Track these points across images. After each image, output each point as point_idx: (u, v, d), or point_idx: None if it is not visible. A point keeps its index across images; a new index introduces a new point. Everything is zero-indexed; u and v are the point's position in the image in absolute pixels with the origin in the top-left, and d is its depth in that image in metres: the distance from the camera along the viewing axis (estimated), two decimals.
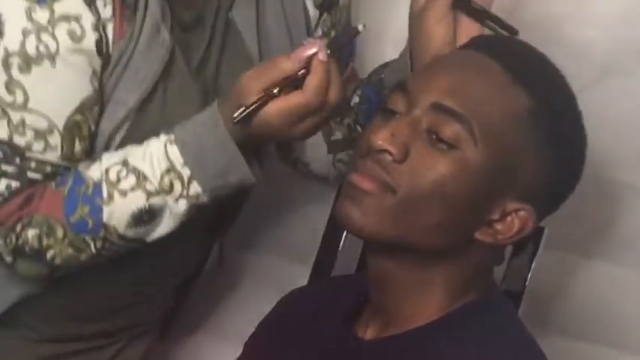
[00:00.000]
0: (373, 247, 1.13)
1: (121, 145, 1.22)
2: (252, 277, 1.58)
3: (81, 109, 1.17)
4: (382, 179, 1.07)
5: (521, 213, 1.09)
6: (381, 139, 1.07)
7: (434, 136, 1.07)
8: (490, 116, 1.06)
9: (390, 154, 1.07)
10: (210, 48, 1.29)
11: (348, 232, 1.45)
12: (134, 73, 1.19)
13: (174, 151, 1.17)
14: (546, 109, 1.08)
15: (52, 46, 1.14)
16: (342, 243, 1.49)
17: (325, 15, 1.39)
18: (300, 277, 1.51)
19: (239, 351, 1.28)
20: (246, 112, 1.16)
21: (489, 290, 1.14)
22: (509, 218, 1.09)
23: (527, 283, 1.37)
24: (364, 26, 1.17)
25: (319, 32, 1.40)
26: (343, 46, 1.20)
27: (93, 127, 1.20)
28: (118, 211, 1.17)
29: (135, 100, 1.20)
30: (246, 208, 1.47)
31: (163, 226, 1.20)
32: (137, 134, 1.22)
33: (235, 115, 1.17)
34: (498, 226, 1.09)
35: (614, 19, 1.50)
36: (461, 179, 1.06)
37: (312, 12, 1.38)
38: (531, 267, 1.37)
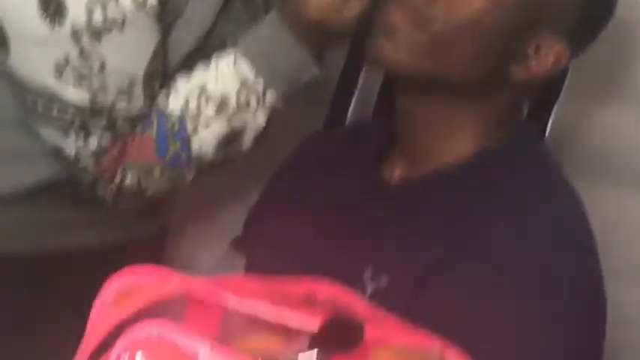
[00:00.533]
0: (404, 84, 1.12)
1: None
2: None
3: (154, 58, 1.17)
4: (417, 14, 1.06)
5: (556, 47, 1.09)
6: None
7: None
8: None
9: None
10: None
11: (369, 71, 1.44)
12: (189, 18, 1.19)
13: (245, 65, 1.16)
14: None
15: (119, 15, 1.12)
16: (359, 83, 1.47)
17: None
18: (315, 117, 1.50)
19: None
20: None
21: (521, 129, 1.14)
22: (543, 52, 1.08)
23: (549, 126, 1.36)
24: None
25: None
26: None
27: (165, 66, 1.20)
28: (205, 140, 1.18)
29: (190, 44, 1.19)
30: None
31: (247, 141, 1.20)
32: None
33: None
34: (533, 61, 1.08)
35: None
36: (495, 12, 1.05)
37: None
38: (552, 111, 1.36)
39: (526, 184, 1.09)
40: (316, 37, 1.15)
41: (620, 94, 1.51)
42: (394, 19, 1.07)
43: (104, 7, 1.12)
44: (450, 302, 1.01)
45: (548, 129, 1.38)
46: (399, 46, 1.07)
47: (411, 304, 1.01)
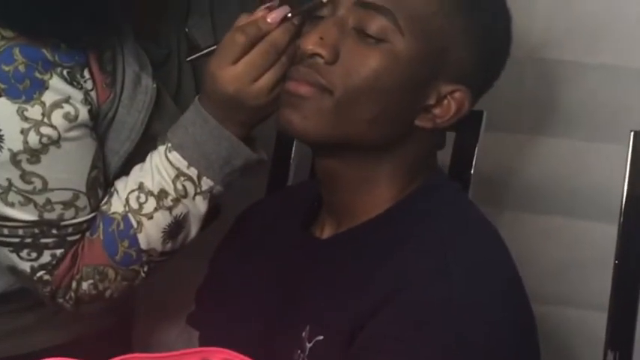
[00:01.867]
0: (319, 149, 1.17)
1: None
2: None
3: (94, 164, 1.22)
4: (317, 82, 1.11)
5: (457, 94, 1.12)
6: (310, 43, 1.11)
7: (361, 33, 1.10)
8: (412, 4, 1.10)
9: (321, 56, 1.10)
10: (181, 75, 1.32)
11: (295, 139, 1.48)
12: (121, 126, 1.23)
13: (177, 157, 1.21)
14: None
15: (53, 134, 1.17)
16: (293, 152, 1.53)
17: None
18: (258, 190, 1.56)
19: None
20: (200, 53, 1.20)
21: (435, 175, 1.19)
22: (445, 101, 1.12)
23: (473, 167, 1.42)
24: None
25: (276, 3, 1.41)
26: (307, 14, 1.21)
27: (105, 173, 1.25)
28: (151, 234, 1.22)
29: (124, 151, 1.24)
30: None
31: (193, 228, 1.25)
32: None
33: (188, 58, 1.21)
34: (436, 111, 1.13)
35: None
36: (393, 70, 1.09)
37: None
38: (475, 151, 1.42)
39: (444, 225, 1.13)
40: (238, 114, 1.19)
41: (546, 126, 1.58)
42: (299, 89, 1.12)
43: (37, 130, 1.17)
44: (374, 350, 1.05)
45: (473, 164, 1.43)
46: (305, 115, 1.11)
47: (344, 357, 1.06)
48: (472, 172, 1.42)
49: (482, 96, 1.18)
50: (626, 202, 1.39)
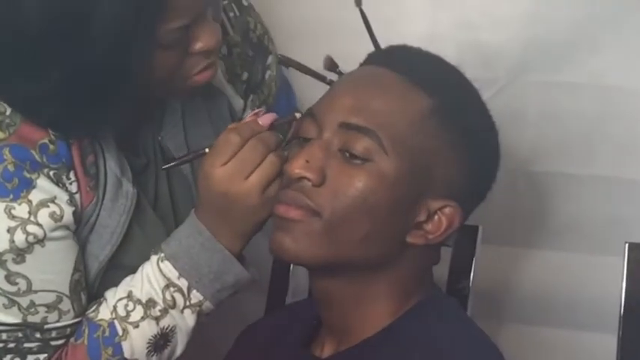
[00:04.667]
0: (313, 270, 1.17)
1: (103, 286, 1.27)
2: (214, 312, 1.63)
3: (76, 267, 1.24)
4: (306, 205, 1.12)
5: (447, 210, 1.13)
6: (297, 167, 1.12)
7: (347, 154, 1.12)
8: (396, 124, 1.11)
9: (308, 179, 1.12)
10: (158, 184, 1.34)
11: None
12: (102, 230, 1.25)
13: (168, 267, 1.23)
14: (448, 106, 1.13)
15: (39, 233, 1.20)
16: (291, 270, 1.54)
17: (252, 96, 1.44)
18: (258, 307, 1.56)
19: None
20: (176, 162, 1.23)
21: (431, 291, 1.19)
22: (435, 217, 1.13)
23: (470, 281, 1.43)
24: (301, 114, 1.20)
25: (249, 112, 1.42)
26: (281, 127, 1.25)
27: (88, 277, 1.26)
28: (136, 343, 1.23)
29: (105, 255, 1.26)
30: None
31: (180, 345, 1.26)
32: (117, 277, 1.27)
33: (164, 167, 1.23)
34: (427, 227, 1.13)
35: (517, 21, 1.57)
36: (380, 189, 1.11)
37: (239, 105, 1.42)
38: (472, 265, 1.43)
39: (443, 344, 1.12)
40: (232, 221, 1.20)
41: (541, 239, 1.60)
42: (288, 213, 1.13)
43: (24, 228, 1.18)
44: None
45: (471, 279, 1.44)
46: (295, 238, 1.12)
47: None
48: (470, 286, 1.42)
49: (473, 210, 1.19)
50: (624, 313, 1.39)
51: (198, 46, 1.21)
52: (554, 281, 1.61)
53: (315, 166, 1.12)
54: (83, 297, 1.25)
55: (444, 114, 1.13)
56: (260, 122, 1.20)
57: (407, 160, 1.11)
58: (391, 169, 1.11)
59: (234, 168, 1.18)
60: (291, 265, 1.54)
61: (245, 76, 1.43)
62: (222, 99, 1.39)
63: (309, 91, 1.30)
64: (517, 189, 1.60)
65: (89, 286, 1.26)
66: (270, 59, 1.45)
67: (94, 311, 1.25)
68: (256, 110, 1.23)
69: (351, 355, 1.16)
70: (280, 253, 1.14)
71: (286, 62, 1.39)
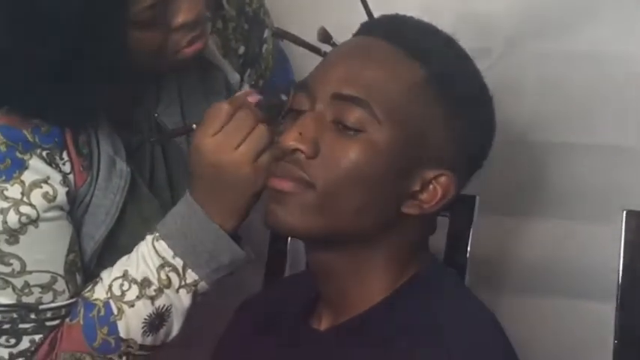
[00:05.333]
0: (308, 243, 1.17)
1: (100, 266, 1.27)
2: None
3: (71, 248, 1.24)
4: (299, 177, 1.12)
5: (442, 179, 1.13)
6: (290, 139, 1.12)
7: (340, 125, 1.11)
8: (388, 94, 1.11)
9: (302, 151, 1.11)
10: (154, 161, 1.33)
11: None
12: (97, 209, 1.25)
13: (163, 246, 1.23)
14: (441, 74, 1.12)
15: (32, 213, 1.19)
16: (289, 243, 1.54)
17: (249, 70, 1.43)
18: (256, 280, 1.56)
19: None
20: (164, 135, 1.23)
21: (429, 262, 1.19)
22: (430, 186, 1.13)
23: (468, 251, 1.42)
24: (288, 95, 1.18)
25: (246, 86, 1.43)
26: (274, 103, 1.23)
27: (83, 258, 1.26)
28: (131, 323, 1.23)
29: (100, 235, 1.26)
30: None
31: (176, 324, 1.26)
32: (113, 257, 1.27)
33: (152, 139, 1.23)
34: (422, 196, 1.13)
35: None
36: (374, 160, 1.10)
37: (235, 79, 1.41)
38: (470, 235, 1.43)
39: (441, 315, 1.12)
40: (224, 194, 1.19)
41: (539, 208, 1.59)
42: (282, 185, 1.13)
43: (17, 209, 1.18)
44: None
45: (468, 249, 1.44)
46: (289, 210, 1.12)
47: None
48: (467, 256, 1.42)
49: (469, 179, 1.19)
50: (622, 281, 1.39)
51: (178, 20, 1.20)
52: (553, 250, 1.61)
53: (308, 138, 1.12)
54: (78, 277, 1.25)
55: (437, 83, 1.12)
56: (249, 99, 1.20)
57: (400, 130, 1.10)
58: (384, 140, 1.10)
59: (223, 138, 1.17)
60: (289, 238, 1.54)
61: (241, 49, 1.42)
62: (218, 74, 1.39)
63: (306, 63, 1.29)
64: (515, 159, 1.59)
65: (85, 267, 1.26)
66: (266, 32, 1.45)
67: (89, 291, 1.25)
68: (247, 90, 1.23)
69: (350, 327, 1.16)
70: (275, 225, 1.14)
71: (281, 35, 1.38)
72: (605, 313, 1.46)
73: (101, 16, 1.13)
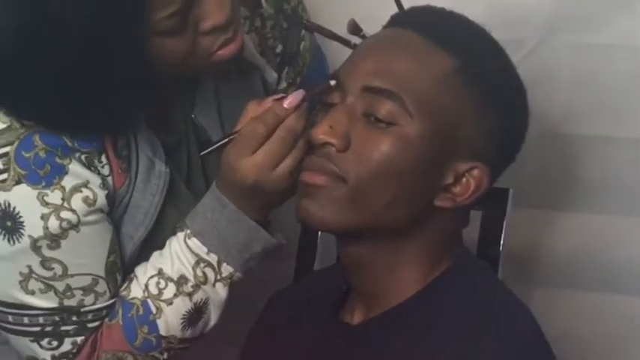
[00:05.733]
0: (340, 236, 1.17)
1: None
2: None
3: (111, 249, 1.24)
4: (331, 171, 1.11)
5: (475, 171, 1.12)
6: (321, 133, 1.11)
7: (371, 118, 1.11)
8: (419, 86, 1.10)
9: (333, 145, 1.11)
10: (190, 161, 1.33)
11: None
12: (136, 211, 1.25)
13: (196, 244, 1.22)
14: (472, 65, 1.11)
15: (73, 218, 1.19)
16: (319, 236, 1.53)
17: (287, 68, 1.42)
18: (286, 274, 1.56)
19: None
20: (213, 147, 1.21)
21: (462, 255, 1.18)
22: (463, 179, 1.12)
23: (501, 245, 1.41)
24: (335, 81, 1.15)
25: (283, 84, 1.42)
26: (316, 97, 1.20)
27: (122, 258, 1.27)
28: (171, 320, 1.23)
29: (139, 236, 1.26)
30: None
31: (214, 315, 1.26)
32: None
33: (202, 153, 1.22)
34: (455, 189, 1.12)
35: None
36: (405, 153, 1.09)
37: (272, 77, 1.40)
38: (503, 229, 1.41)
39: (476, 308, 1.11)
40: (258, 200, 1.19)
41: (573, 201, 1.58)
42: (313, 179, 1.12)
43: (58, 214, 1.18)
44: None
45: (501, 242, 1.42)
46: (322, 205, 1.11)
47: None
48: (501, 249, 1.41)
49: (503, 171, 1.18)
50: None
51: (207, 24, 1.17)
52: (586, 244, 1.59)
53: (339, 131, 1.11)
54: (119, 278, 1.25)
55: (468, 74, 1.11)
56: (285, 105, 1.17)
57: (432, 123, 1.10)
58: (416, 132, 1.09)
59: (262, 159, 1.16)
60: (320, 232, 1.53)
61: (279, 48, 1.42)
62: (255, 73, 1.38)
63: (339, 56, 1.28)
64: (548, 152, 1.58)
65: (124, 267, 1.26)
66: (303, 30, 1.44)
67: (125, 289, 1.25)
68: (278, 96, 1.20)
69: (383, 321, 1.15)
70: (307, 219, 1.13)
71: (311, 28, 1.37)
72: (637, 307, 1.44)
73: (117, 27, 1.12)
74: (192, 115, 1.33)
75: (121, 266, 1.25)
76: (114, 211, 1.24)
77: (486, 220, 1.42)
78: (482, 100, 1.11)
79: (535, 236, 1.62)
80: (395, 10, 1.25)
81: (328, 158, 1.11)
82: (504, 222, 1.41)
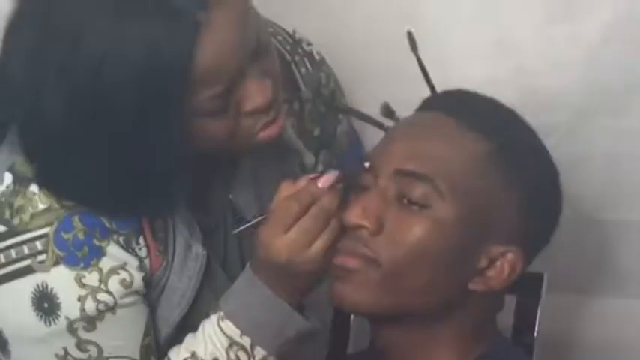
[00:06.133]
0: (373, 320, 1.16)
1: None
2: None
3: (147, 332, 1.23)
4: (364, 254, 1.10)
5: (509, 255, 1.11)
6: (354, 216, 1.11)
7: (405, 201, 1.10)
8: (452, 169, 1.10)
9: (366, 228, 1.10)
10: (227, 244, 1.33)
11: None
12: (172, 293, 1.25)
13: (229, 326, 1.21)
14: (505, 148, 1.11)
15: (110, 300, 1.19)
16: (352, 319, 1.52)
17: (324, 151, 1.42)
18: (319, 358, 1.54)
19: None
20: (247, 225, 1.21)
21: (497, 341, 1.16)
22: (497, 263, 1.11)
23: (536, 330, 1.39)
24: (369, 164, 1.16)
25: (320, 167, 1.42)
26: (351, 180, 1.20)
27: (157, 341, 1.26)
28: None
29: (175, 318, 1.25)
30: None
31: None
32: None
33: (235, 231, 1.22)
34: (489, 273, 1.11)
35: (578, 65, 1.55)
36: (439, 236, 1.09)
37: (310, 160, 1.40)
38: (537, 314, 1.40)
39: None
40: (292, 281, 1.18)
41: (608, 287, 1.56)
42: (347, 262, 1.12)
43: (95, 296, 1.18)
44: None
45: (536, 328, 1.40)
46: (356, 288, 1.10)
47: None
48: (535, 335, 1.39)
49: (537, 255, 1.16)
50: None
51: (248, 107, 1.18)
52: (622, 330, 1.57)
53: (372, 214, 1.11)
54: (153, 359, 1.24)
55: (501, 157, 1.11)
56: (320, 185, 1.17)
57: (465, 206, 1.09)
58: (449, 215, 1.09)
59: (296, 238, 1.15)
60: (352, 315, 1.52)
61: (317, 131, 1.42)
62: (292, 155, 1.39)
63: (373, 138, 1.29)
64: (582, 236, 1.56)
65: (159, 349, 1.25)
66: (340, 115, 1.44)
67: None
68: (312, 175, 1.20)
69: None
70: (340, 303, 1.13)
71: (344, 110, 1.38)
72: None
73: (163, 108, 1.12)
74: (230, 197, 1.33)
75: (156, 348, 1.24)
76: (150, 292, 1.24)
77: (521, 305, 1.40)
78: (515, 184, 1.11)
79: (570, 321, 1.60)
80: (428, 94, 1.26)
81: (361, 241, 1.11)
82: (539, 307, 1.40)
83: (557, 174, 1.16)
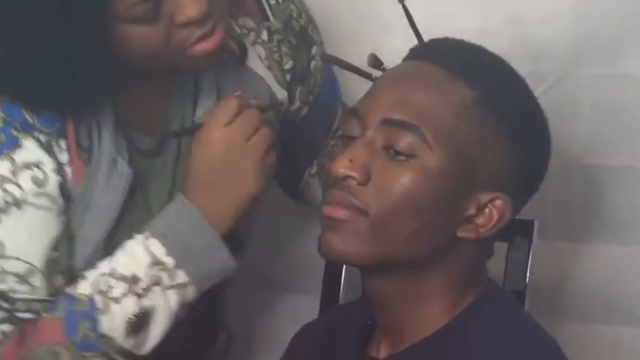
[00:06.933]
0: (364, 270, 1.16)
1: None
2: (268, 314, 1.63)
3: (54, 246, 1.22)
4: (352, 204, 1.11)
5: (497, 202, 1.11)
6: (341, 166, 1.11)
7: (391, 151, 1.11)
8: (438, 118, 1.10)
9: (353, 178, 1.11)
10: (179, 164, 1.31)
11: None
12: (96, 209, 1.24)
13: (155, 243, 1.21)
14: (491, 95, 1.11)
15: (18, 194, 1.18)
16: (344, 270, 1.53)
17: (300, 87, 1.42)
18: (312, 308, 1.56)
19: None
20: (177, 133, 1.25)
21: (487, 287, 1.17)
22: (486, 210, 1.11)
23: (527, 277, 1.40)
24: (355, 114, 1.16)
25: (297, 104, 1.42)
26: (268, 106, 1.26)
27: (69, 261, 1.24)
28: (115, 320, 1.20)
29: (100, 236, 1.24)
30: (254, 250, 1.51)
31: (158, 330, 1.22)
32: None
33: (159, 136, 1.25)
34: (478, 220, 1.12)
35: (567, 15, 1.55)
36: (426, 185, 1.09)
37: (282, 94, 1.40)
38: (529, 261, 1.41)
39: (503, 341, 1.11)
40: (225, 192, 1.20)
41: (599, 233, 1.57)
42: (336, 213, 1.12)
43: (3, 186, 1.17)
44: None
45: (527, 274, 1.42)
46: (345, 239, 1.11)
47: None
48: (527, 282, 1.40)
49: (526, 202, 1.17)
50: None
51: (180, 18, 1.17)
52: (613, 276, 1.58)
53: (359, 164, 1.11)
54: (60, 279, 1.22)
55: (488, 104, 1.11)
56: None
57: (452, 154, 1.10)
58: (436, 164, 1.09)
59: (235, 130, 1.19)
60: (344, 266, 1.53)
61: (289, 64, 1.41)
62: (261, 83, 1.38)
63: (357, 89, 1.29)
64: (572, 183, 1.57)
65: (80, 269, 1.23)
66: (314, 49, 1.43)
67: (72, 287, 1.22)
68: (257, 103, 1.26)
69: (410, 355, 1.14)
70: (329, 253, 1.13)
71: (330, 60, 1.38)
72: None
73: (83, 10, 1.12)
74: (193, 119, 1.32)
75: (67, 270, 1.23)
76: (74, 207, 1.22)
77: (512, 253, 1.41)
78: (502, 130, 1.11)
79: (561, 268, 1.61)
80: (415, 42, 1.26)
81: (349, 191, 1.11)
82: (530, 254, 1.41)
83: (546, 121, 1.16)
